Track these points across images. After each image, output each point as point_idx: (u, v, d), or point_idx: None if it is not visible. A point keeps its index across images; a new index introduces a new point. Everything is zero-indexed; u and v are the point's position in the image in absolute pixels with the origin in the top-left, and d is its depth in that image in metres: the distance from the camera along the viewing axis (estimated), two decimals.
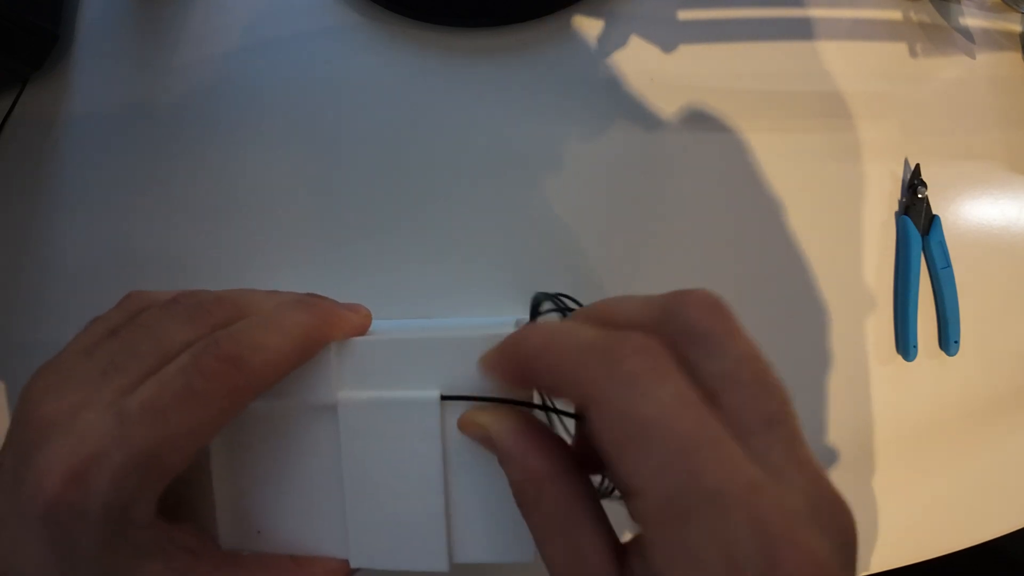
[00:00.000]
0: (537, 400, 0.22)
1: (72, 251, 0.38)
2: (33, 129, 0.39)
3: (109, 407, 0.19)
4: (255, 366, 0.19)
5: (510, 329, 0.23)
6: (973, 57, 0.38)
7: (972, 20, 0.38)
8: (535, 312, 0.23)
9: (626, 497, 0.14)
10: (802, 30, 0.38)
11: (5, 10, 0.36)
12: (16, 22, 0.37)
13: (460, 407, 0.23)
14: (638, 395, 0.13)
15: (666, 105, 0.37)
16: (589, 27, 0.38)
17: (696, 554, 0.12)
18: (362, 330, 0.24)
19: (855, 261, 0.36)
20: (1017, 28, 0.38)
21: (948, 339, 0.36)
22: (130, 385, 0.19)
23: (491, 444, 0.20)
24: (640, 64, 0.37)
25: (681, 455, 0.12)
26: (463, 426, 0.22)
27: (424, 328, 0.25)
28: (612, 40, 0.38)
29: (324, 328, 0.22)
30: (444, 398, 0.23)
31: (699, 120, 0.37)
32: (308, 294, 0.25)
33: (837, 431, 0.36)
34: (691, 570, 0.12)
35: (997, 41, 0.38)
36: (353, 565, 0.24)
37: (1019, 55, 0.38)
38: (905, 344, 0.35)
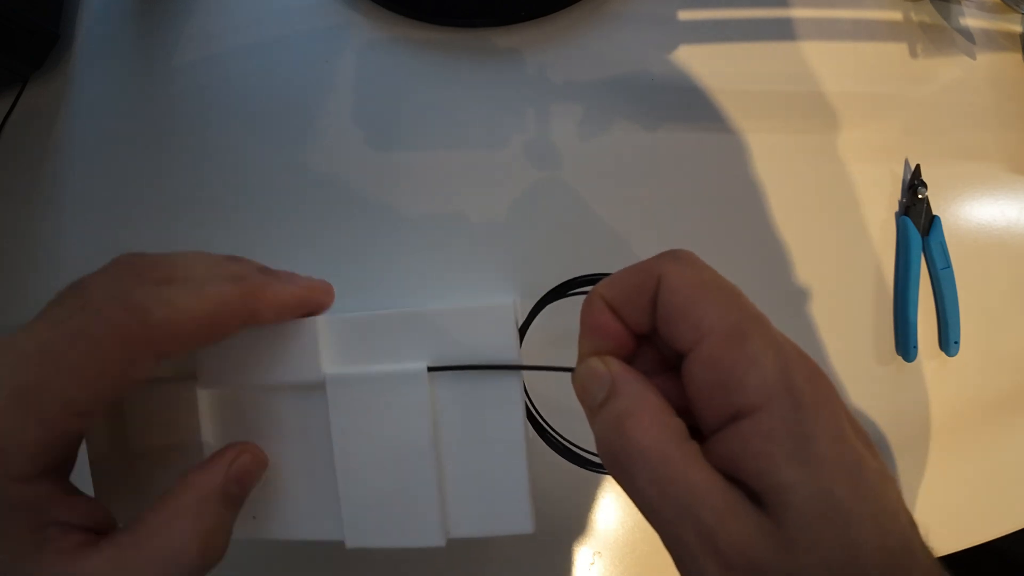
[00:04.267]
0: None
1: (71, 249, 0.38)
2: (33, 129, 0.39)
3: (15, 347, 0.18)
4: (158, 321, 0.19)
5: (494, 302, 0.23)
6: (973, 58, 0.38)
7: (972, 21, 0.38)
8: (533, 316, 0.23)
9: (690, 348, 0.17)
10: (803, 31, 0.38)
11: (6, 9, 0.36)
12: (17, 22, 0.37)
13: (449, 379, 0.23)
14: (699, 268, 0.18)
15: (666, 105, 0.37)
16: (589, 27, 0.38)
17: (755, 358, 0.16)
18: (300, 306, 0.23)
19: (855, 261, 0.36)
20: (1017, 28, 0.38)
21: (948, 339, 0.35)
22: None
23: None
24: (640, 64, 0.37)
25: (734, 297, 0.18)
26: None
27: (412, 308, 0.25)
28: (612, 40, 0.38)
29: (246, 302, 0.21)
30: (431, 369, 0.23)
31: (699, 120, 0.37)
32: (264, 268, 0.25)
33: None
34: (753, 370, 0.16)
35: (997, 42, 0.38)
36: (348, 545, 0.24)
37: (1019, 56, 0.38)
38: (905, 344, 0.35)
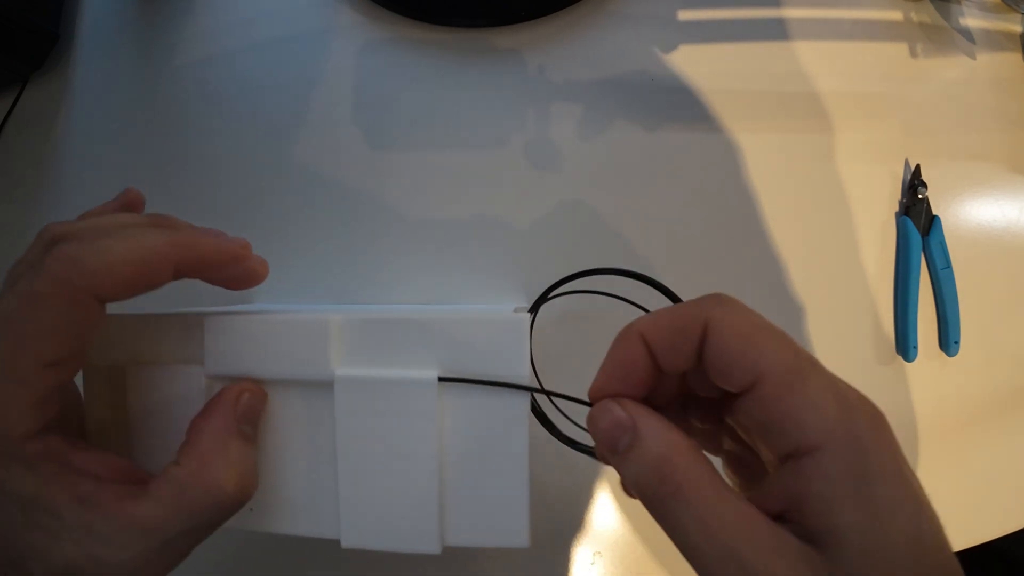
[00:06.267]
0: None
1: None
2: (33, 129, 0.39)
3: None
4: (95, 267, 0.20)
5: (508, 314, 0.23)
6: (974, 58, 0.38)
7: (973, 21, 0.38)
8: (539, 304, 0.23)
9: (747, 389, 0.17)
10: (803, 31, 0.38)
11: (6, 9, 0.36)
12: (17, 22, 0.37)
13: (456, 388, 0.23)
14: (748, 311, 0.18)
15: (666, 105, 0.37)
16: (589, 27, 0.38)
17: (815, 399, 0.16)
18: (229, 259, 0.24)
19: (855, 261, 0.36)
20: (1017, 28, 0.38)
21: (948, 339, 0.35)
22: None
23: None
24: (640, 64, 0.37)
25: (786, 339, 0.18)
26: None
27: (423, 311, 0.25)
28: (612, 40, 0.38)
29: (176, 249, 0.22)
30: (442, 379, 0.23)
31: (699, 120, 0.37)
32: (191, 225, 0.25)
33: None
34: (813, 411, 0.16)
35: (998, 42, 0.38)
36: (344, 545, 0.24)
37: (1019, 56, 0.38)
38: (905, 344, 0.35)
